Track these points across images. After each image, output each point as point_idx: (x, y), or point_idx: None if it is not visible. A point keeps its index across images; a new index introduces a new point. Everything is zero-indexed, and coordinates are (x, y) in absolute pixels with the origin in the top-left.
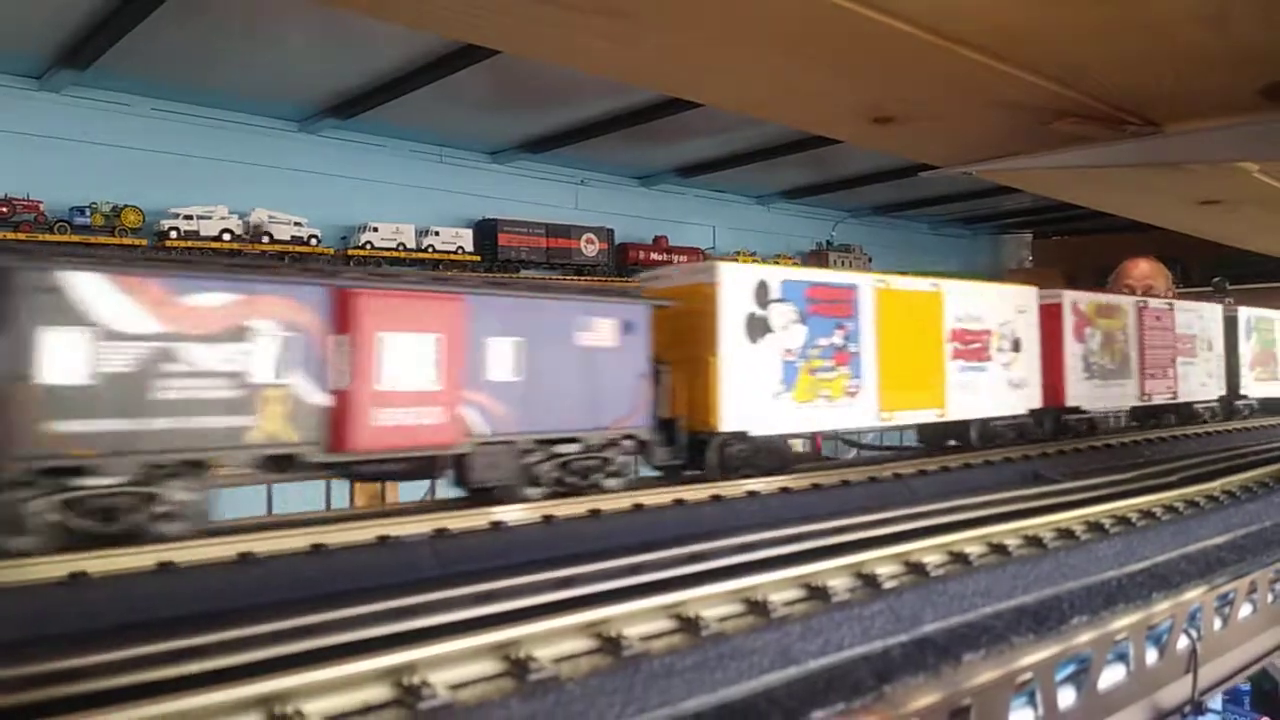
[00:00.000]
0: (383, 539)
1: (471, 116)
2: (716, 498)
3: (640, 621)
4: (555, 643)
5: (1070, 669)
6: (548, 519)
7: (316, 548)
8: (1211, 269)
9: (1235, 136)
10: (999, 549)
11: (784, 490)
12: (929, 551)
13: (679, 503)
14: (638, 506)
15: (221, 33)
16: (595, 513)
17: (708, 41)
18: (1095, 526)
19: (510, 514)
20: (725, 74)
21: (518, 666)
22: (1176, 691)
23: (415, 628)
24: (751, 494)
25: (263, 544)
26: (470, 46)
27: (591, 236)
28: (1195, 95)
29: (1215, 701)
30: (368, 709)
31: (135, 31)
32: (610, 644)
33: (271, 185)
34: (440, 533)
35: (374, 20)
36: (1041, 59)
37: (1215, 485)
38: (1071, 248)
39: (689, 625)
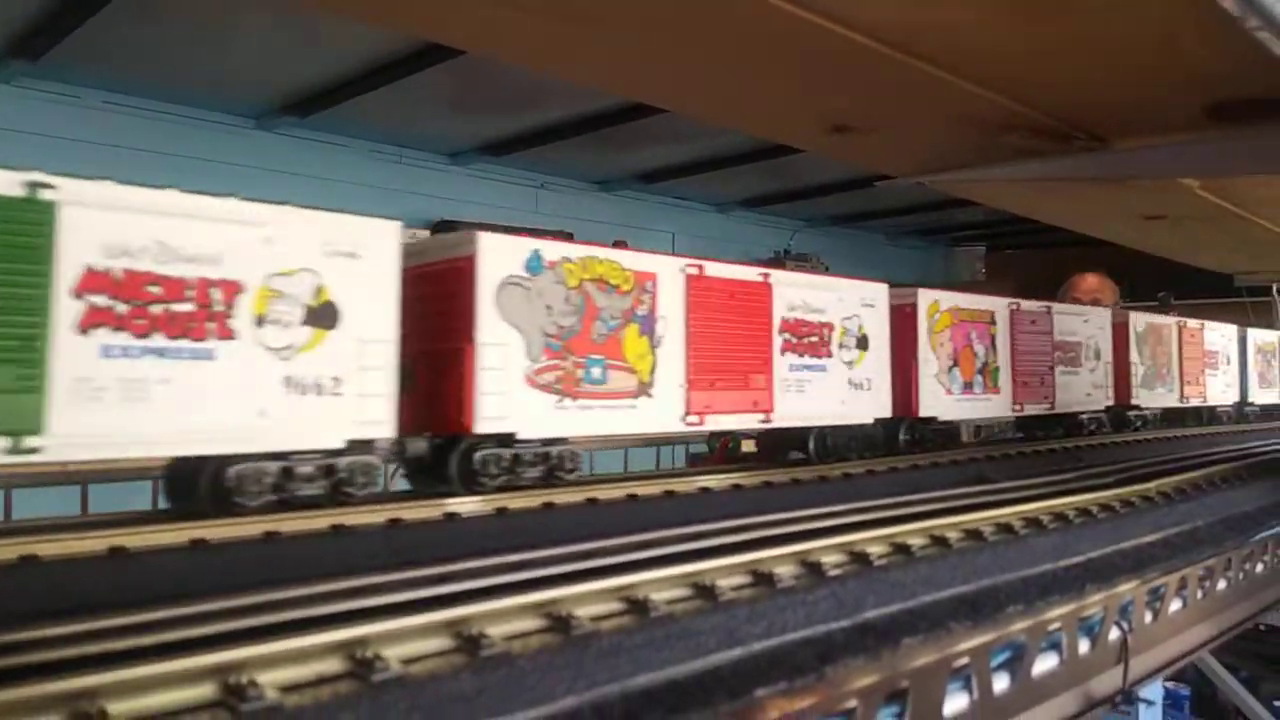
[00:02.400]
0: (337, 528)
1: (432, 118)
2: (669, 493)
3: (590, 603)
4: (507, 621)
5: (1005, 655)
6: (501, 511)
7: (269, 535)
8: (1158, 284)
9: (1178, 154)
10: (940, 541)
11: (736, 487)
12: (873, 543)
13: (632, 497)
14: (591, 500)
15: (178, 27)
16: (549, 505)
17: (667, 48)
18: (1034, 522)
19: (464, 505)
20: (684, 80)
21: (470, 643)
22: (1108, 681)
23: (369, 606)
24: (705, 490)
25: (216, 531)
26: (431, 48)
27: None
28: (1141, 113)
29: (1156, 705)
30: (321, 680)
31: (90, 23)
32: (560, 623)
33: (227, 183)
34: (394, 523)
35: (334, 18)
36: (994, 75)
37: (1151, 486)
38: (1024, 261)
39: (638, 607)
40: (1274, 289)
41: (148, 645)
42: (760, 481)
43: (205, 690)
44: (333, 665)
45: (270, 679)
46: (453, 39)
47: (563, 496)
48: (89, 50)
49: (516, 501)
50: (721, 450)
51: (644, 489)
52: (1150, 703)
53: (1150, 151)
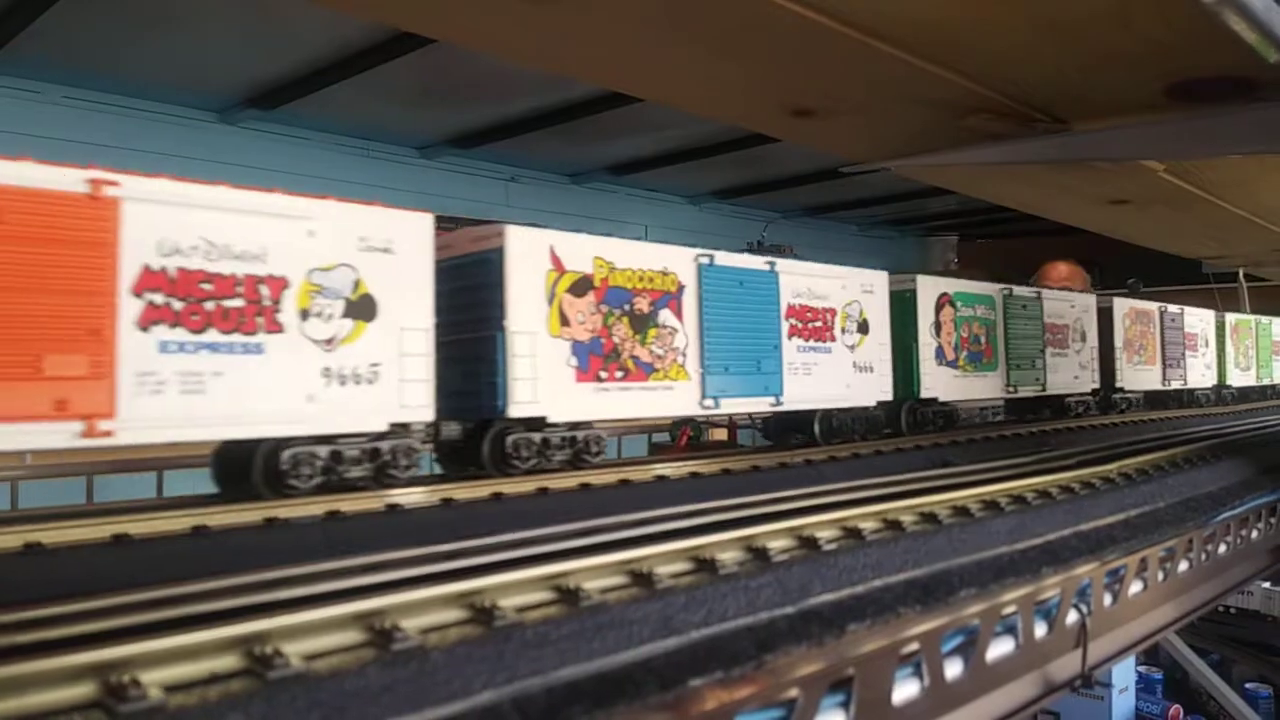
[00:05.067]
0: (270, 520)
1: (399, 110)
2: (625, 481)
3: (518, 592)
4: (423, 614)
5: (958, 640)
6: (447, 501)
7: (198, 530)
8: (1127, 271)
9: (1139, 135)
10: (894, 525)
11: (693, 475)
12: (822, 526)
13: (585, 486)
14: (542, 490)
15: (138, 18)
16: (497, 496)
17: (628, 29)
18: (991, 505)
19: (408, 496)
20: (644, 62)
21: (381, 637)
22: (1066, 665)
23: (280, 599)
24: (660, 478)
25: (138, 525)
26: (398, 38)
27: None
28: (1101, 94)
29: (1129, 690)
30: (214, 678)
31: (47, 15)
32: (483, 614)
33: (189, 177)
34: (332, 515)
35: (297, 6)
36: (954, 55)
37: (1111, 468)
38: (996, 250)
39: (569, 596)
40: (1240, 274)
41: (29, 643)
42: (718, 469)
43: (83, 690)
44: (227, 662)
45: (155, 678)
46: (414, 24)
47: (510, 487)
48: (47, 43)
49: (461, 492)
50: (683, 439)
51: (596, 478)
52: (1104, 685)
53: (1112, 134)
